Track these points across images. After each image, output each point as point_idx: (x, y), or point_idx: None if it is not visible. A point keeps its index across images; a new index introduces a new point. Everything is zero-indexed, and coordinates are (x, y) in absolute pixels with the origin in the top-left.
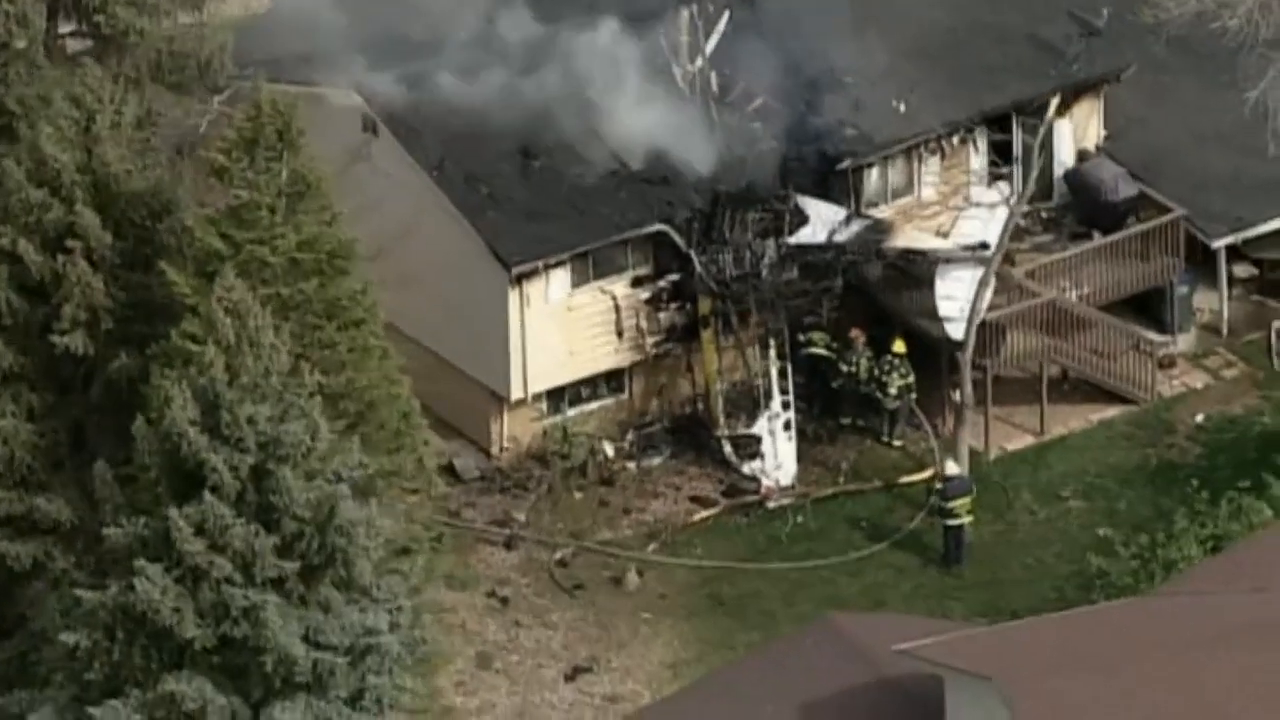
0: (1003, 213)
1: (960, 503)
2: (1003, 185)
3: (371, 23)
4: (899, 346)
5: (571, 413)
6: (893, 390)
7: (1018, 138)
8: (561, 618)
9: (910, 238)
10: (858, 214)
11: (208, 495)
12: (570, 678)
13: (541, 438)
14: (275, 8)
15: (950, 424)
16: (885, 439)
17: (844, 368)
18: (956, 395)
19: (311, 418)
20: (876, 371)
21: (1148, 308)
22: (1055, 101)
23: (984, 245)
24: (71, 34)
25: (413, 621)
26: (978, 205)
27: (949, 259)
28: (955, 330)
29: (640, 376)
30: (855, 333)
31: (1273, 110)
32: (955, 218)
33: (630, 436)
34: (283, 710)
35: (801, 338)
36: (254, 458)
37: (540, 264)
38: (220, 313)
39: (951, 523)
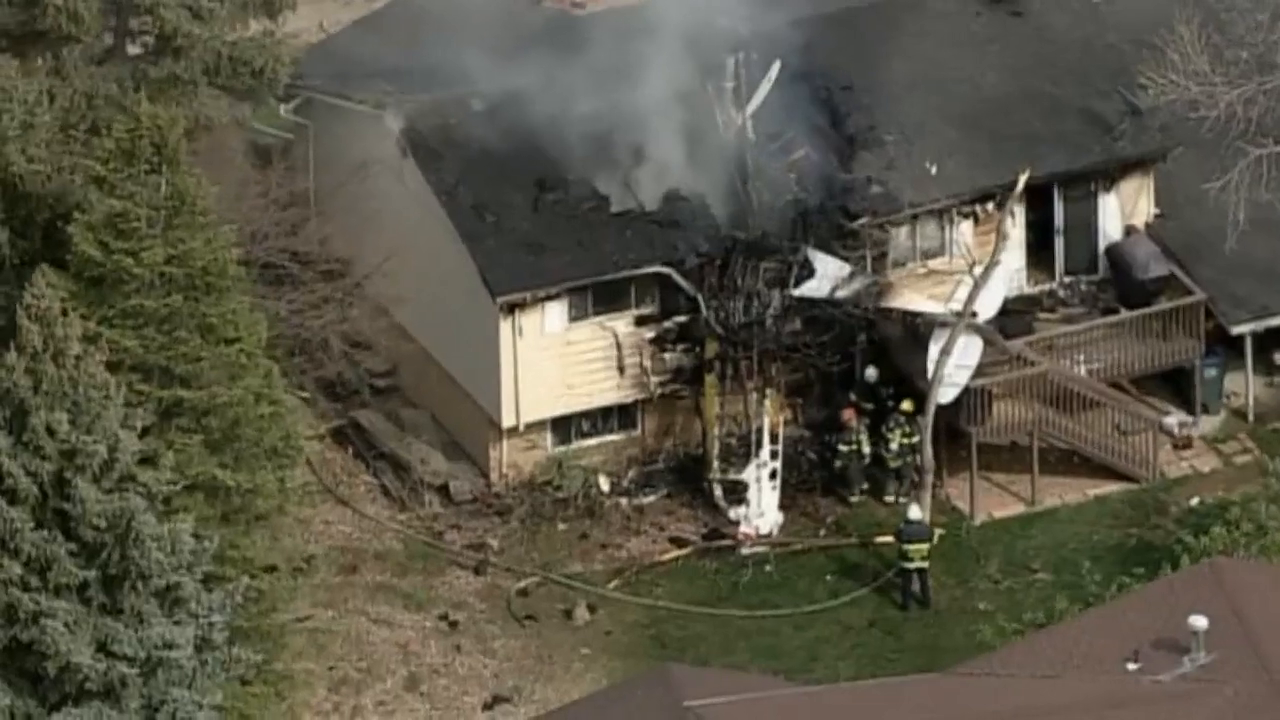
0: (1001, 284)
1: (916, 547)
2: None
3: (419, 49)
4: (907, 405)
5: (580, 445)
6: (894, 447)
7: (1059, 209)
8: (503, 646)
9: (906, 299)
10: (860, 271)
11: (0, 500)
12: (488, 706)
13: (544, 467)
14: (344, 31)
15: (946, 485)
16: (890, 498)
17: (843, 448)
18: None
19: (113, 430)
20: (875, 437)
21: (1181, 388)
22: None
23: (973, 313)
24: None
25: (229, 639)
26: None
27: (943, 323)
28: (944, 394)
29: (653, 415)
30: (848, 415)
31: (1235, 201)
32: (959, 283)
33: (631, 473)
34: (67, 716)
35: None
36: (53, 465)
37: (528, 295)
38: (25, 319)
39: (907, 566)
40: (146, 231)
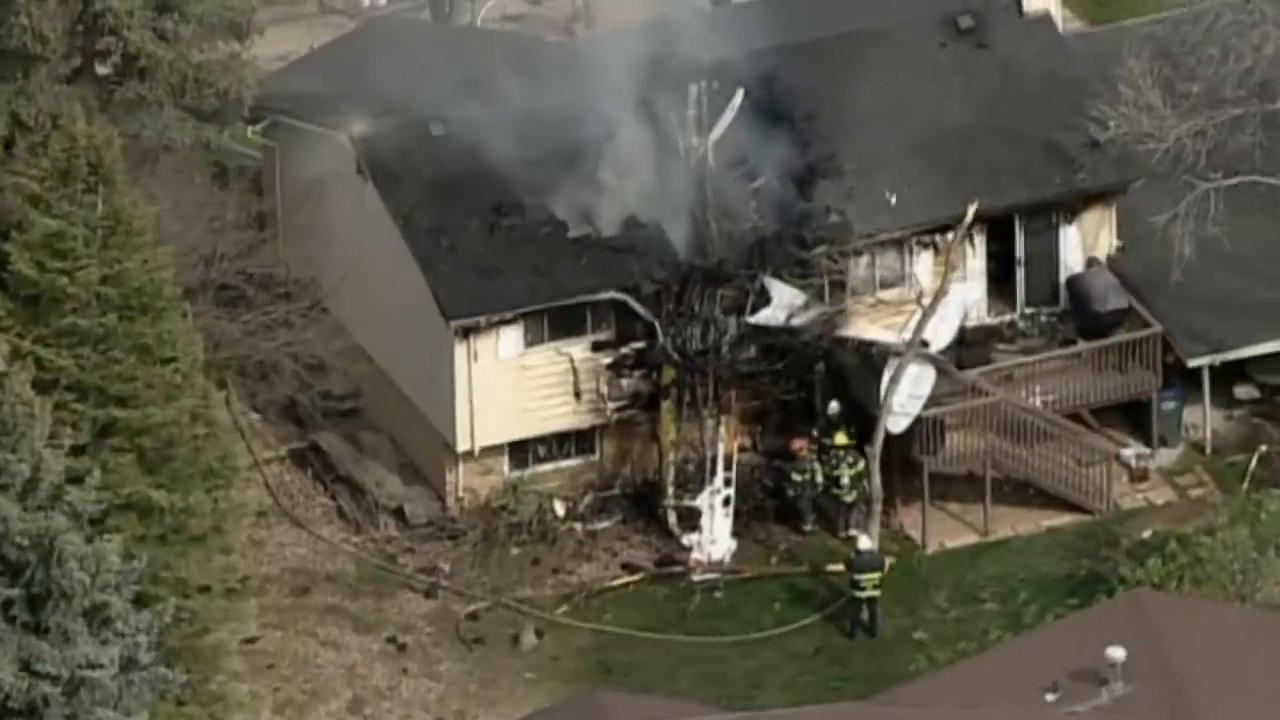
0: (955, 315)
1: (868, 577)
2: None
3: (386, 73)
4: (841, 439)
5: (537, 470)
6: (845, 482)
7: (1020, 241)
8: (449, 670)
9: (860, 328)
10: (816, 300)
11: None
12: None
13: (500, 492)
14: (314, 54)
15: (899, 514)
16: (843, 533)
17: (797, 478)
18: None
19: (37, 449)
20: (827, 469)
21: (1140, 420)
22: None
23: (924, 343)
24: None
25: (159, 659)
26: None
27: (897, 352)
28: (895, 423)
29: (611, 441)
30: (798, 445)
31: (1181, 235)
32: (912, 313)
33: (587, 498)
34: None
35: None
36: None
37: (482, 320)
38: None
39: (858, 595)
40: (83, 251)
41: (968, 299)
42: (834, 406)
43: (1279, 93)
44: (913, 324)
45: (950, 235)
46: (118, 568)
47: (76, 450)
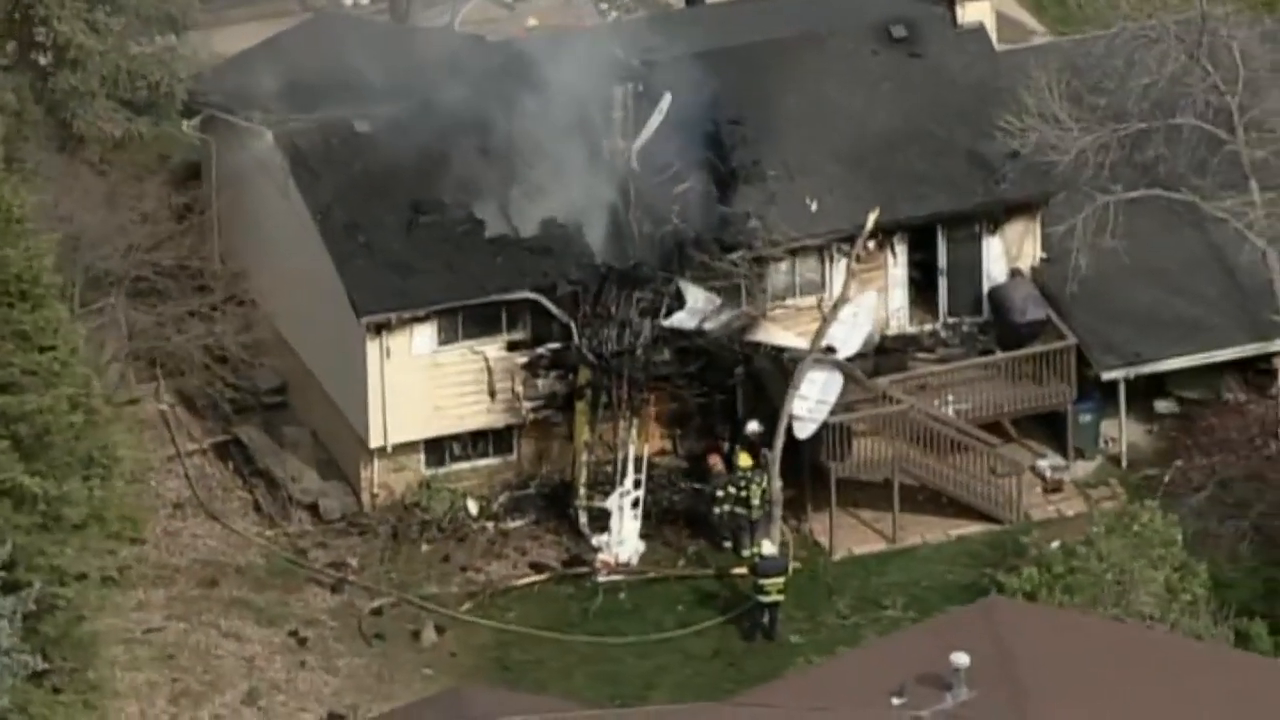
0: (865, 322)
1: (772, 581)
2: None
3: (320, 69)
4: (744, 460)
5: (454, 468)
6: (755, 501)
7: (942, 250)
8: (347, 664)
9: (770, 333)
10: (730, 305)
11: None
12: None
13: (415, 489)
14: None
15: (810, 520)
16: (745, 551)
17: (720, 494)
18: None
19: None
20: (736, 491)
21: (1059, 432)
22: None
23: (830, 349)
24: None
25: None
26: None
27: (805, 358)
28: (802, 429)
29: (530, 440)
30: (713, 459)
31: (1076, 248)
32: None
33: (501, 497)
34: None
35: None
36: None
37: (394, 317)
38: None
39: (763, 599)
40: None
41: (878, 307)
42: (752, 427)
43: (1181, 107)
44: (830, 331)
45: (873, 242)
46: None
47: None
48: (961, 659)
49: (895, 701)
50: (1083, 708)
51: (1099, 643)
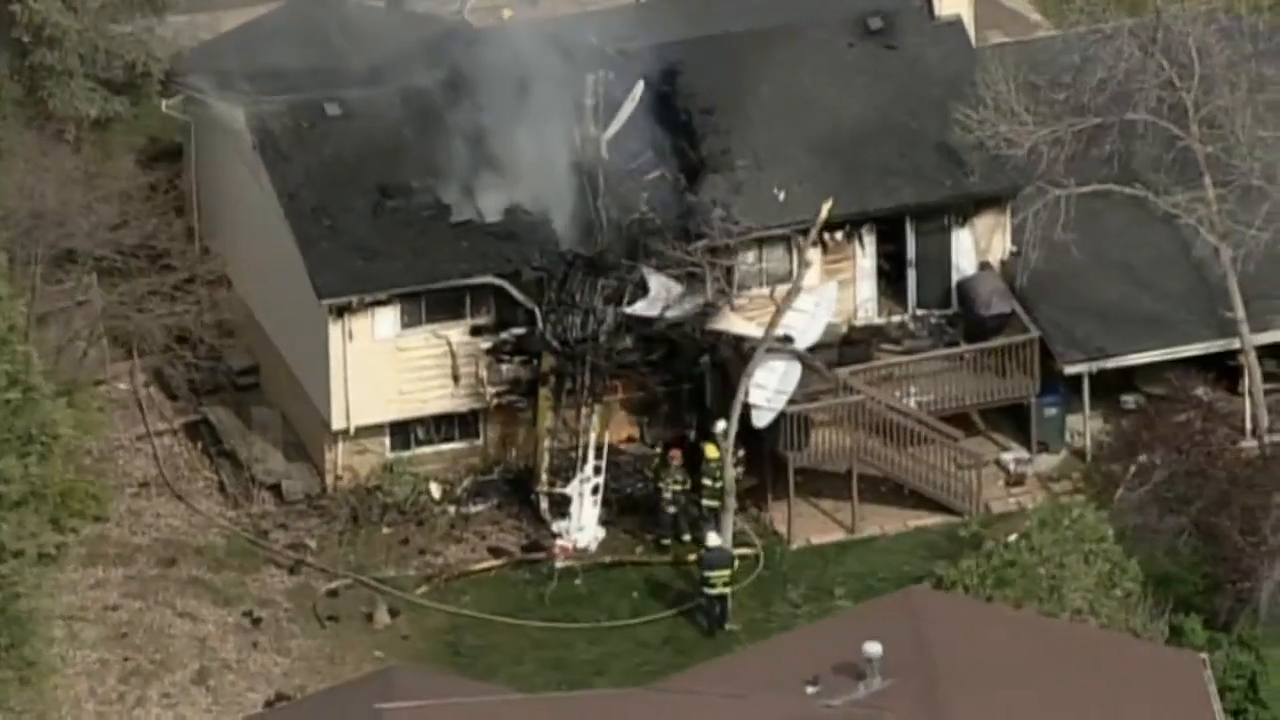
0: (825, 313)
1: (718, 574)
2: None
3: (297, 53)
4: (712, 452)
5: (419, 451)
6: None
7: (911, 242)
8: (300, 645)
9: (730, 322)
10: (692, 293)
11: None
12: (270, 704)
13: (378, 471)
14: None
15: (770, 509)
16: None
17: (675, 487)
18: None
19: None
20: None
21: (1025, 425)
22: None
23: (788, 339)
24: None
25: None
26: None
27: (769, 348)
28: (759, 418)
29: (495, 425)
30: (674, 454)
31: (1028, 241)
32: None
33: (465, 482)
34: None
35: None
36: None
37: (355, 300)
38: None
39: (709, 592)
40: None
41: (845, 298)
42: (720, 425)
43: (1135, 103)
44: (790, 320)
45: (841, 233)
46: None
47: None
48: (874, 648)
49: (809, 690)
50: (993, 696)
51: (1013, 633)
